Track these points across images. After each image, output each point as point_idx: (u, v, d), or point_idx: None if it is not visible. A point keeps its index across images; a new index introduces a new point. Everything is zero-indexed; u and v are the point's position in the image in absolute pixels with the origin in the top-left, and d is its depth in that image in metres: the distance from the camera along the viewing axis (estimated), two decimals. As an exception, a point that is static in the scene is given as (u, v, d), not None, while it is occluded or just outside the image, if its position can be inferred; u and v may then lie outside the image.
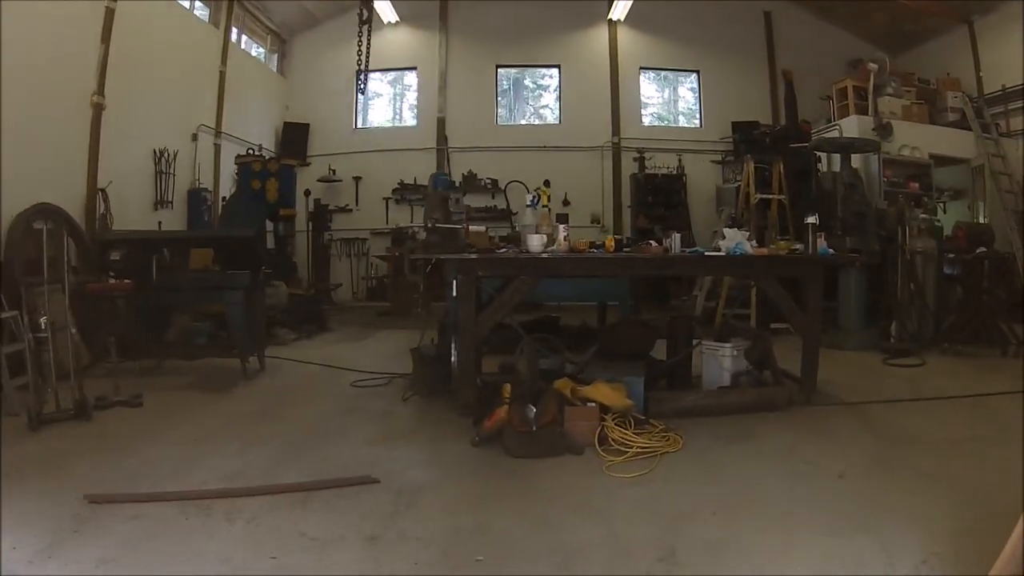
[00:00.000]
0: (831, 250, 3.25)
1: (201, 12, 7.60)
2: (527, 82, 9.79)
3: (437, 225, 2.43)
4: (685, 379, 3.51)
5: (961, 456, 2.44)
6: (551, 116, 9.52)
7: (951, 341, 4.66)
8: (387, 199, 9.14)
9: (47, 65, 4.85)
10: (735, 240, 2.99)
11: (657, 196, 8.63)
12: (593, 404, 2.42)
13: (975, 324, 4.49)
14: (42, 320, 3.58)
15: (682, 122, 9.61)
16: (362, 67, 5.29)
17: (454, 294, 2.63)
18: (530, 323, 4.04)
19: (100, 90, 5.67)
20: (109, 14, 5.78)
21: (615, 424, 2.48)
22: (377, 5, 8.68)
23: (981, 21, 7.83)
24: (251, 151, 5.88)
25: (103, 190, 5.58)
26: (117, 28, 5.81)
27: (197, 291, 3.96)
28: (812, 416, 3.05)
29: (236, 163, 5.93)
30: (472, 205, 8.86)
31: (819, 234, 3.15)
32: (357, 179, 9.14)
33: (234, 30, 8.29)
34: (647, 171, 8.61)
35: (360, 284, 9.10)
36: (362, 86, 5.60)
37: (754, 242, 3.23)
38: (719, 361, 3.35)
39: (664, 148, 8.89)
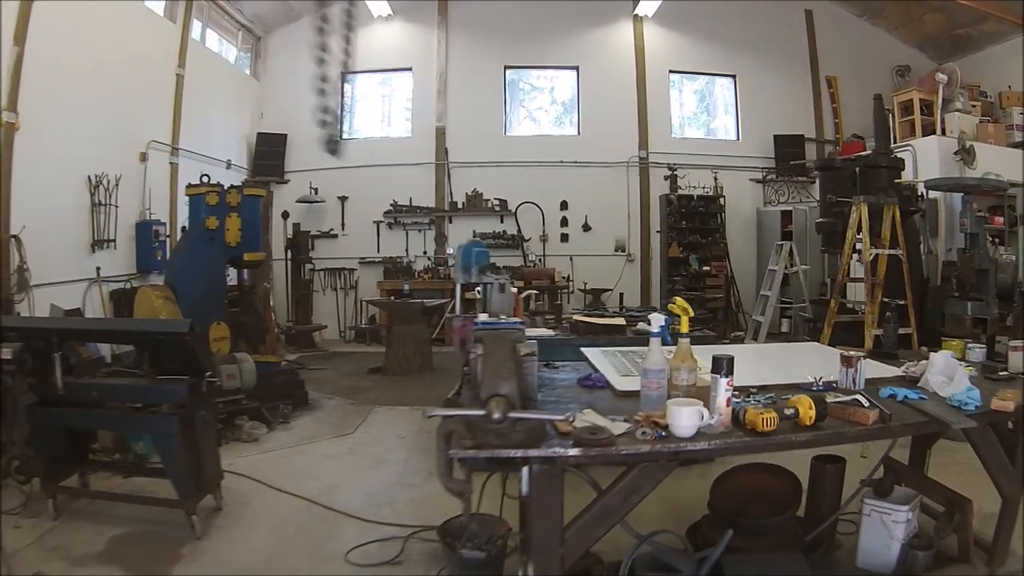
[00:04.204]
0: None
1: (155, 5, 6.27)
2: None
3: (512, 416, 1.24)
4: (828, 545, 2.43)
5: None
6: (569, 126, 8.35)
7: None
8: (378, 223, 7.91)
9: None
10: (961, 383, 1.87)
11: (691, 220, 7.54)
12: None
13: None
14: None
15: (718, 134, 8.51)
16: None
17: (525, 491, 1.48)
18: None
19: (12, 106, 4.39)
20: (25, 6, 4.48)
21: None
22: (366, -3, 7.46)
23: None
24: (205, 178, 4.61)
25: (16, 236, 4.31)
26: (37, 25, 4.51)
27: (117, 412, 2.74)
28: None
29: (187, 194, 4.64)
30: (477, 231, 7.76)
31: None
32: (343, 199, 7.90)
33: (198, 25, 6.98)
34: (680, 191, 7.50)
35: (348, 323, 7.87)
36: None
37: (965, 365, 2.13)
38: (888, 529, 2.29)
39: (698, 164, 7.79)
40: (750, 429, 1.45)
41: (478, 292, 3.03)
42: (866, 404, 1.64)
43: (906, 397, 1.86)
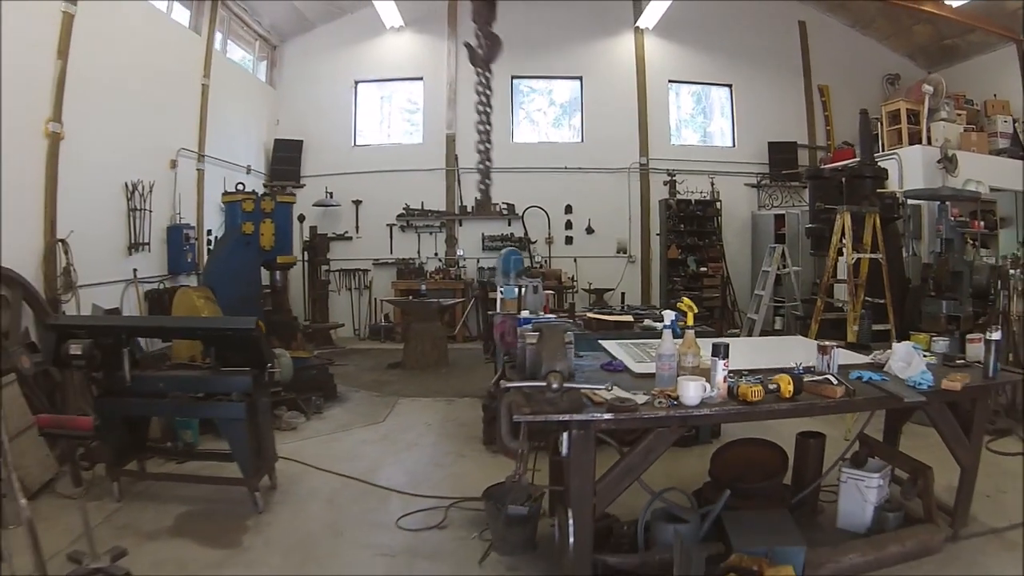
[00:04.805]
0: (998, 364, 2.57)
1: (180, 15, 6.59)
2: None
3: (569, 385, 1.62)
4: (811, 509, 2.84)
5: None
6: (568, 129, 8.74)
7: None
8: (391, 225, 8.27)
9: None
10: (917, 367, 2.28)
11: (689, 223, 7.94)
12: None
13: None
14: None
15: (715, 139, 8.90)
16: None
17: (564, 451, 1.85)
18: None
19: (57, 116, 4.69)
20: (67, 21, 4.79)
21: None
22: (380, 7, 7.79)
23: (1033, 40, 7.30)
24: (240, 186, 4.95)
25: (63, 240, 4.63)
26: (77, 38, 4.82)
27: (184, 400, 3.07)
28: (973, 562, 2.50)
29: (223, 201, 4.99)
30: (486, 234, 8.12)
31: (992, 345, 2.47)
32: (357, 203, 8.25)
33: (218, 36, 7.30)
34: (679, 196, 7.91)
35: (363, 322, 8.23)
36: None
37: (922, 354, 2.52)
38: (863, 494, 2.69)
39: (696, 170, 8.19)
40: (741, 400, 1.85)
41: (501, 292, 3.42)
42: (835, 383, 2.04)
43: (870, 378, 2.28)
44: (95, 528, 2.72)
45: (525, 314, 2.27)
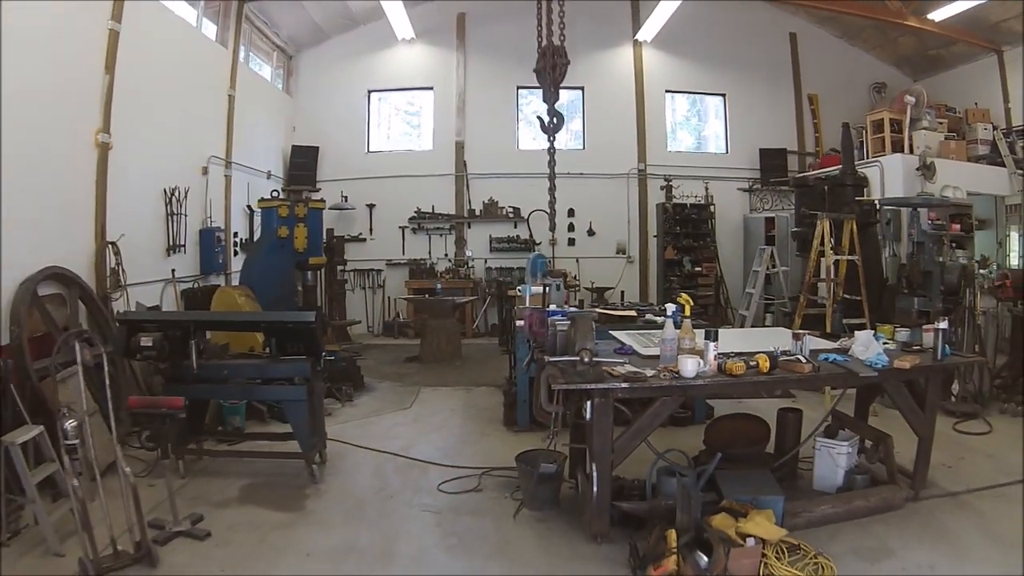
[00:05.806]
0: (948, 348, 3.07)
1: (207, 30, 7.00)
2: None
3: (596, 360, 2.09)
4: (791, 474, 3.33)
5: None
6: (571, 137, 9.21)
7: (1008, 400, 4.65)
8: (403, 228, 8.71)
9: (42, 102, 4.16)
10: (874, 350, 2.76)
11: (684, 226, 8.43)
12: (752, 540, 2.21)
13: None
14: (68, 425, 3.12)
15: (709, 143, 9.39)
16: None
17: (587, 416, 2.31)
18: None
19: (106, 127, 5.09)
20: (113, 38, 5.17)
21: (774, 557, 2.33)
22: (392, 20, 8.22)
23: (1012, 52, 7.81)
24: (274, 193, 5.39)
25: (113, 243, 5.04)
26: (122, 53, 5.20)
27: (249, 385, 3.50)
28: (929, 517, 2.97)
29: (259, 207, 5.42)
30: (493, 235, 8.58)
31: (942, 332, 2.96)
32: (370, 206, 8.69)
33: (241, 48, 7.70)
34: (675, 200, 8.40)
35: (376, 319, 8.68)
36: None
37: (883, 342, 3.01)
38: (834, 459, 3.19)
39: (691, 175, 8.68)
40: (728, 373, 2.33)
41: (519, 291, 3.89)
42: (804, 361, 2.53)
43: (834, 359, 2.78)
44: (168, 499, 3.10)
45: (553, 307, 2.73)
